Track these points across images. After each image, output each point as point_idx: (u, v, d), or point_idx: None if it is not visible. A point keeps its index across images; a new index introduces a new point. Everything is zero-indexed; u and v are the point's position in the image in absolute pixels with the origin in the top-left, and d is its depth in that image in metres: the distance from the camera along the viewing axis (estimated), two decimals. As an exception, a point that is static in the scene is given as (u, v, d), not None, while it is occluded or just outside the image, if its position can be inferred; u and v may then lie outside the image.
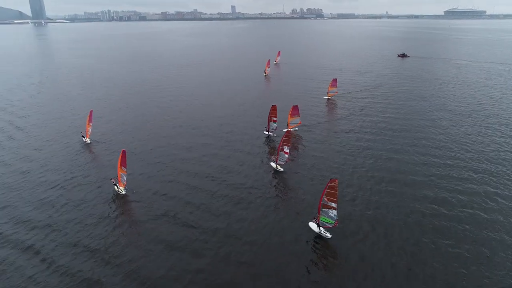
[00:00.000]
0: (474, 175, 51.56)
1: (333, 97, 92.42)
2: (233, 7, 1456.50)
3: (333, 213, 36.40)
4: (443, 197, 45.60)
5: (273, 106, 64.96)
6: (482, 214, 42.06)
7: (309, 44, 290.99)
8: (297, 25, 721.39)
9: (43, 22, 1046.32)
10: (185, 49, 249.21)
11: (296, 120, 66.67)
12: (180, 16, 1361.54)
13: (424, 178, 50.68)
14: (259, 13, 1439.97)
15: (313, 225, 38.23)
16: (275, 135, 65.92)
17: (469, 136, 67.05)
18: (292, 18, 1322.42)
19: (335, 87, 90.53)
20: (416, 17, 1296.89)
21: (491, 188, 47.81)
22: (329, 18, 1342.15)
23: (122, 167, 46.04)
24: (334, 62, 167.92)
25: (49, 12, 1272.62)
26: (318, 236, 37.63)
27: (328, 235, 37.05)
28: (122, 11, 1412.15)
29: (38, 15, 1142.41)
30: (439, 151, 60.20)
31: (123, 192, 46.26)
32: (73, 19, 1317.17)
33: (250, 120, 78.18)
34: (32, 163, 57.47)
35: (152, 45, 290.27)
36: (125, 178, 46.10)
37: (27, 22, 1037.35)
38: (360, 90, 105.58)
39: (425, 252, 35.64)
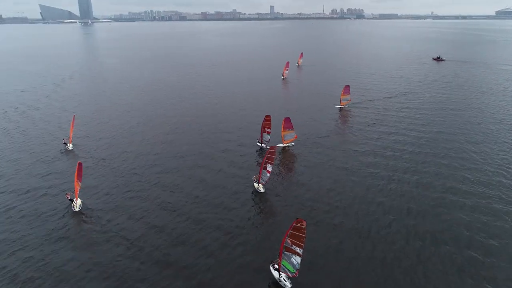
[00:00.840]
0: None
1: (346, 105, 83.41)
2: (271, 7, 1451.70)
3: (296, 260, 29.35)
4: (465, 240, 36.72)
5: (266, 116, 58.20)
6: None
7: (341, 45, 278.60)
8: (335, 26, 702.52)
9: (89, 22, 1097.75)
10: (213, 49, 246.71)
11: (291, 134, 59.08)
12: (219, 16, 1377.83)
13: (444, 210, 41.68)
14: (298, 13, 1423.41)
15: (273, 270, 31.41)
16: (267, 147, 59.04)
17: (510, 159, 56.29)
18: (332, 18, 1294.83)
19: (347, 94, 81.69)
20: (464, 17, 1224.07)
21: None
22: (370, 18, 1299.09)
23: (78, 182, 41.61)
24: (361, 66, 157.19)
25: (96, 12, 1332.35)
26: (277, 283, 30.74)
27: (288, 284, 30.05)
28: (164, 11, 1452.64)
29: (85, 15, 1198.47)
30: (468, 174, 50.63)
31: (77, 209, 41.58)
32: (118, 19, 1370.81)
33: (252, 127, 71.52)
34: (5, 169, 54.61)
35: (182, 45, 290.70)
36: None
37: (75, 22, 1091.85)
38: (383, 98, 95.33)
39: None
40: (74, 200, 41.91)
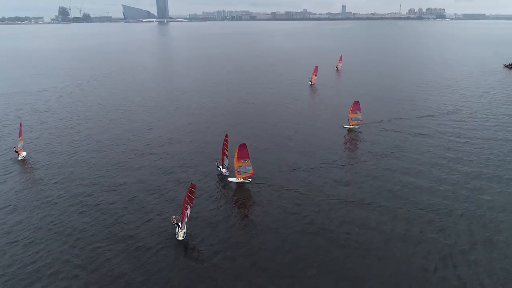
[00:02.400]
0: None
1: (357, 125, 67.47)
2: (343, 6, 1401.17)
3: None
4: None
5: (226, 136, 47.16)
6: None
7: (401, 47, 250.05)
8: (409, 27, 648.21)
9: (165, 21, 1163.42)
10: (260, 51, 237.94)
11: (246, 167, 45.06)
12: (289, 16, 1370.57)
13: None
14: (371, 13, 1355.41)
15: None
16: (227, 173, 48.00)
17: None
18: (408, 18, 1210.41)
19: (357, 112, 65.93)
20: None
21: None
22: (452, 18, 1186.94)
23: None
24: (413, 73, 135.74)
25: (173, 11, 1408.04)
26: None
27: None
28: (235, 11, 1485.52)
29: (162, 14, 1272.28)
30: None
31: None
32: (191, 18, 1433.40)
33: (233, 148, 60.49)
34: None
35: (233, 46, 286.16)
36: None
37: (152, 21, 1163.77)
38: (419, 117, 75.26)
39: None
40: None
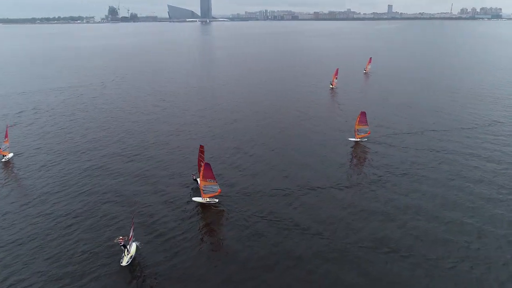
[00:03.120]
0: None
1: (365, 138, 59.87)
2: (389, 6, 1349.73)
3: None
4: None
5: (200, 146, 42.67)
6: None
7: (443, 48, 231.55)
8: (460, 27, 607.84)
9: (207, 21, 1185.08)
10: (298, 51, 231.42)
11: (213, 187, 39.68)
12: (332, 16, 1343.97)
13: None
14: (419, 13, 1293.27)
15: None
16: (203, 187, 43.47)
17: None
18: (460, 18, 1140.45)
19: (363, 124, 58.37)
20: None
21: None
22: (509, 18, 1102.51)
23: None
24: (451, 78, 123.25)
25: (216, 11, 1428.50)
26: None
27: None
28: (278, 10, 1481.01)
29: (205, 14, 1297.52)
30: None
31: None
32: (234, 18, 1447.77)
33: (218, 160, 56.10)
34: None
35: (271, 46, 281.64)
36: None
37: (196, 21, 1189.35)
38: (448, 130, 65.83)
39: None
40: None
